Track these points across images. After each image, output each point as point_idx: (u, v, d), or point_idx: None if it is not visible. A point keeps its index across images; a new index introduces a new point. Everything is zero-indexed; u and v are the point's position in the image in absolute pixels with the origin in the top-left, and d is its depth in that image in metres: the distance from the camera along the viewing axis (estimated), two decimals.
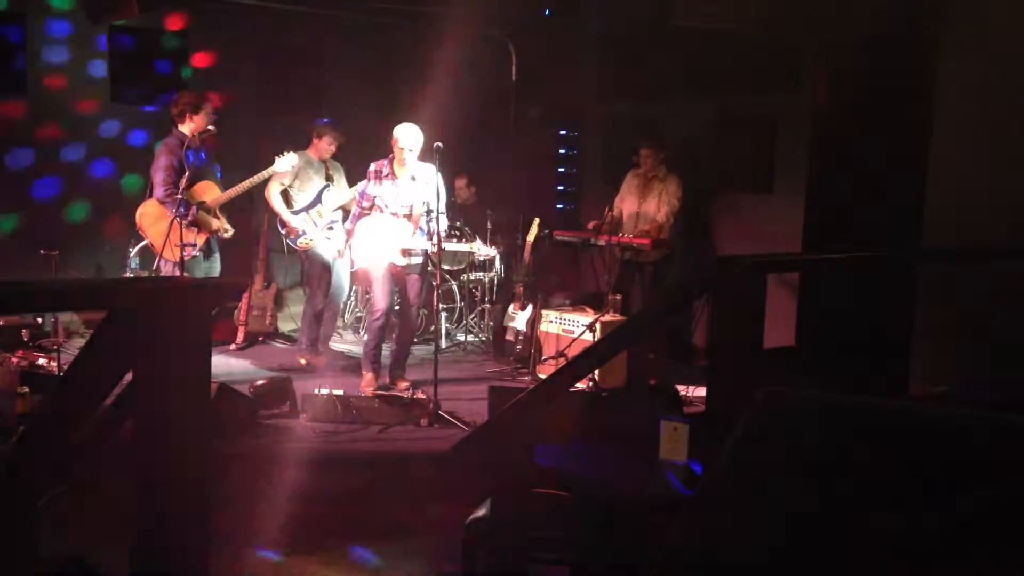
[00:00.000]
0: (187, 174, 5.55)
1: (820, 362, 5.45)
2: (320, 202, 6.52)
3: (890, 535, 1.33)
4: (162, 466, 1.75)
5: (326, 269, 6.61)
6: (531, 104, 8.61)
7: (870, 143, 5.77)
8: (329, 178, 6.61)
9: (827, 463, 1.45)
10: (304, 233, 6.46)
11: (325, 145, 6.60)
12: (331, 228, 6.58)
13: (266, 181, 6.33)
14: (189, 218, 5.61)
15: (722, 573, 1.49)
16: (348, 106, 8.52)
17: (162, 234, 5.50)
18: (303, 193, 6.52)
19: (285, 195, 6.51)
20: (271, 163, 6.16)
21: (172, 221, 5.46)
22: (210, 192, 5.79)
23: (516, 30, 8.21)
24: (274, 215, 6.56)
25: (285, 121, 8.28)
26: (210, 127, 5.72)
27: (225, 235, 5.93)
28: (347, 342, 7.48)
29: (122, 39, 7.45)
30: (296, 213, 6.48)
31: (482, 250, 6.04)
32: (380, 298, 5.79)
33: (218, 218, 5.83)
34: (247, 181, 5.90)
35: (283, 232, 6.60)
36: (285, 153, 6.04)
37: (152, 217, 5.75)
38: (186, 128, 5.71)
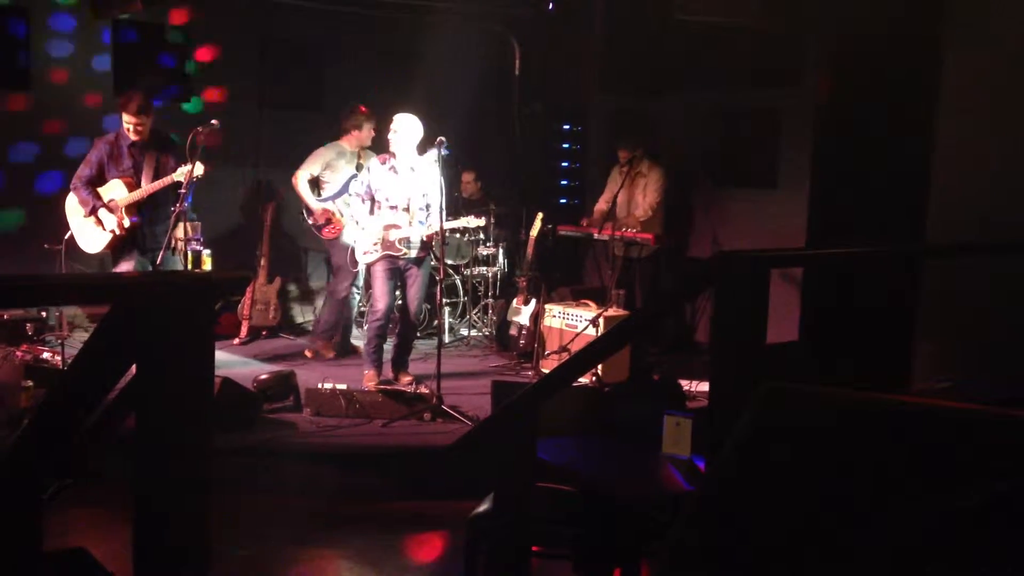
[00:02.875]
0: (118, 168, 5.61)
1: (823, 357, 5.44)
2: (347, 191, 6.53)
3: (894, 533, 1.33)
4: (164, 460, 1.75)
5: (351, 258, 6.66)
6: (534, 99, 8.60)
7: (874, 138, 5.76)
8: (359, 168, 6.63)
9: (830, 459, 1.45)
10: (328, 222, 6.50)
11: (365, 135, 6.63)
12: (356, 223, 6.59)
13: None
14: (86, 213, 5.65)
15: (724, 569, 1.49)
16: (350, 101, 8.51)
17: (79, 226, 5.73)
18: (331, 183, 6.57)
19: (315, 184, 6.56)
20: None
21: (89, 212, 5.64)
22: (116, 191, 5.68)
23: (519, 24, 8.20)
24: (301, 204, 6.61)
25: (287, 115, 8.29)
26: (128, 126, 5.60)
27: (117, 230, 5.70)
28: (352, 336, 7.47)
29: (126, 33, 7.44)
30: (323, 201, 6.54)
31: (472, 223, 6.03)
32: (380, 296, 5.79)
33: (120, 217, 5.62)
34: (156, 183, 5.63)
35: (308, 222, 6.63)
36: (196, 163, 5.54)
37: (71, 208, 5.80)
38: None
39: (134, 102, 5.60)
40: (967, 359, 5.52)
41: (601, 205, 7.01)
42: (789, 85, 6.72)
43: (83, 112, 7.29)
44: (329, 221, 6.58)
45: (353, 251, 6.12)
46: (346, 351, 6.81)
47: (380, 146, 5.92)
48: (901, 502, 1.34)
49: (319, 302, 8.07)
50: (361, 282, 6.94)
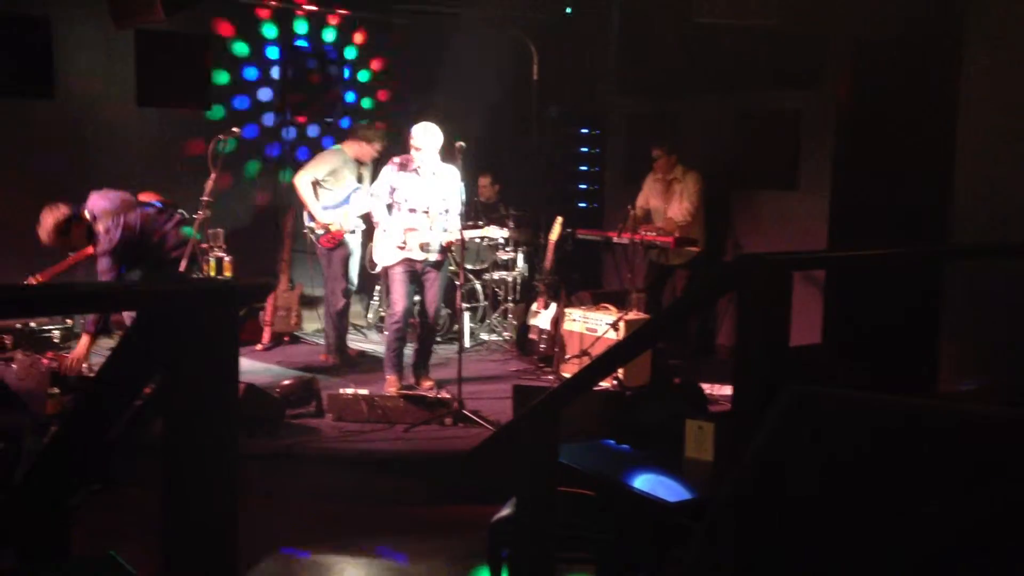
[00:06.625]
0: None
1: (846, 360, 5.41)
2: (348, 203, 6.55)
3: (922, 540, 1.32)
4: (191, 465, 1.77)
5: (345, 268, 6.67)
6: (552, 103, 8.60)
7: (895, 138, 5.72)
8: (360, 178, 6.63)
9: (854, 463, 1.44)
10: (327, 231, 6.49)
11: (371, 150, 6.61)
12: (352, 232, 6.61)
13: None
14: None
15: (748, 575, 1.49)
16: (369, 108, 8.56)
17: None
18: (333, 191, 6.54)
19: (314, 188, 6.53)
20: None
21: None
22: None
23: (537, 28, 8.21)
24: (301, 208, 6.60)
25: (309, 124, 8.35)
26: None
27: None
28: (371, 342, 7.51)
29: (148, 42, 7.51)
30: (324, 209, 6.52)
31: (495, 233, 6.04)
32: (398, 300, 5.79)
33: None
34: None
35: (310, 225, 6.62)
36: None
37: None
38: None
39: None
40: (992, 361, 5.47)
41: (636, 210, 7.00)
42: (809, 86, 6.68)
43: (106, 121, 7.37)
44: (328, 230, 6.52)
45: (371, 253, 6.14)
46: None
47: (389, 155, 5.93)
48: (930, 508, 1.33)
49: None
50: (354, 286, 6.91)
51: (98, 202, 5.29)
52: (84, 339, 5.30)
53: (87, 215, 5.21)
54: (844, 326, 5.86)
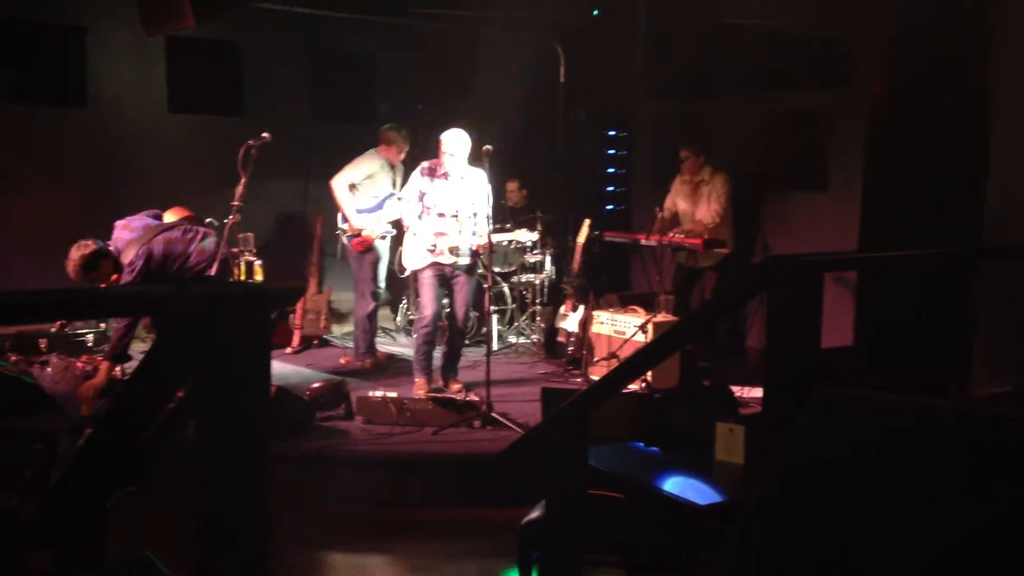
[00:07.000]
0: None
1: (879, 362, 5.35)
2: (381, 208, 6.58)
3: (949, 538, 1.30)
4: (223, 467, 1.79)
5: (374, 273, 6.70)
6: (579, 106, 8.60)
7: (928, 139, 5.65)
8: (395, 184, 6.67)
9: (885, 465, 1.43)
10: (358, 235, 6.53)
11: (398, 151, 6.64)
12: (383, 238, 6.64)
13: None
14: None
15: None
16: (399, 112, 8.59)
17: None
18: (368, 195, 6.58)
19: (351, 190, 6.58)
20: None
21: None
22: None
23: (564, 32, 8.22)
24: (332, 212, 6.65)
25: (338, 129, 8.40)
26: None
27: None
28: (400, 345, 7.54)
29: (179, 49, 7.60)
30: (359, 213, 6.56)
31: (525, 237, 6.04)
32: (427, 304, 5.81)
33: None
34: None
35: (343, 227, 6.66)
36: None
37: None
38: None
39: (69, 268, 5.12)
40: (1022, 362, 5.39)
41: (664, 212, 6.99)
42: (838, 86, 6.63)
43: (138, 128, 7.46)
44: (359, 234, 6.55)
45: (401, 257, 6.17)
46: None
47: (419, 159, 5.96)
48: (962, 507, 1.31)
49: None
50: (382, 290, 6.93)
51: (122, 234, 5.33)
52: (103, 366, 5.21)
53: (112, 248, 5.26)
54: (876, 328, 5.79)
